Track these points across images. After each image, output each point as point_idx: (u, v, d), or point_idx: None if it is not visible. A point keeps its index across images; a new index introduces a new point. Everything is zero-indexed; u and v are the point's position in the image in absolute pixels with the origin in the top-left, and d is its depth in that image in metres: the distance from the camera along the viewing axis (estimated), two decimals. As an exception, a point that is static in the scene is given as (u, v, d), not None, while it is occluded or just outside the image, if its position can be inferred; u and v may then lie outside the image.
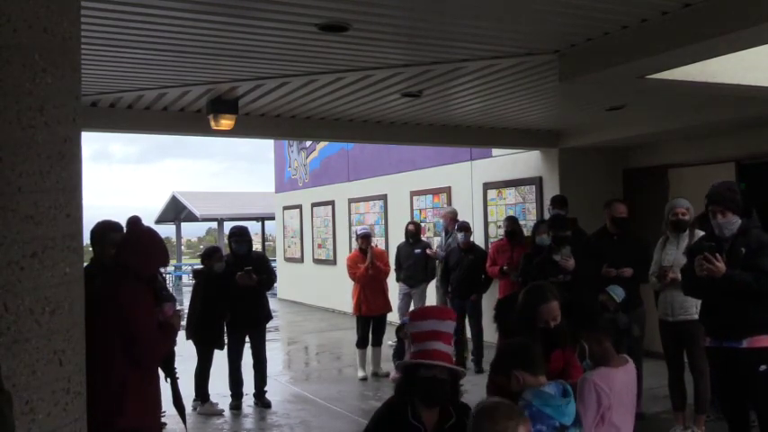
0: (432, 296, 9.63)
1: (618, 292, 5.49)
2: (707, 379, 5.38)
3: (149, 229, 3.86)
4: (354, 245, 12.23)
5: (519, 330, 3.70)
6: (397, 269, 9.47)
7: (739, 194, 4.42)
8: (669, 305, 5.54)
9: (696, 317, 5.28)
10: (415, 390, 3.04)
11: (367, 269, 8.12)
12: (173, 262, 28.12)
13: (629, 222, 6.34)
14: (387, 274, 8.44)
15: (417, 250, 9.39)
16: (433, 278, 9.50)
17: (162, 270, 7.60)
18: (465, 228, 8.56)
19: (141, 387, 3.48)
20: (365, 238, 8.33)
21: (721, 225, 4.32)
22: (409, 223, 9.88)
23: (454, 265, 8.47)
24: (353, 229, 13.25)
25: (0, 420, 1.61)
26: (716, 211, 4.32)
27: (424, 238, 10.08)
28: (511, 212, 9.56)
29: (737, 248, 4.28)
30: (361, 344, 8.27)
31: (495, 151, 9.95)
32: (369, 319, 8.25)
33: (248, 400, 7.13)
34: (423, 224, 10.81)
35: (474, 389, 7.41)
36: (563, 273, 6.30)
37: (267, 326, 7.28)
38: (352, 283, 8.42)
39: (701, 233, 5.52)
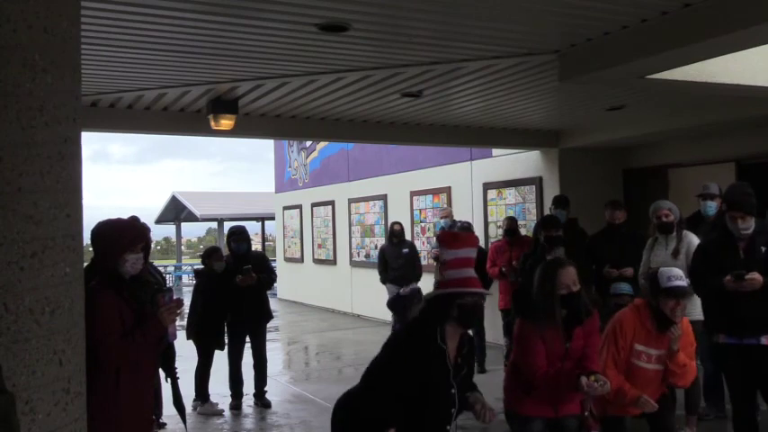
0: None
1: (626, 288, 5.51)
2: (696, 380, 5.41)
3: (108, 220, 3.59)
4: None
5: (540, 303, 3.69)
6: (383, 271, 9.36)
7: (753, 195, 4.48)
8: None
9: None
10: (449, 314, 3.13)
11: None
12: (173, 262, 28.08)
13: (624, 228, 6.37)
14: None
15: (405, 249, 9.35)
16: (420, 277, 9.47)
17: (161, 269, 7.60)
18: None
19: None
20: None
21: (740, 229, 4.38)
22: (395, 223, 9.76)
23: None
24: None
25: (5, 422, 1.60)
26: (736, 216, 4.37)
27: (424, 238, 10.05)
28: (511, 212, 9.55)
29: (757, 247, 4.36)
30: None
31: (495, 151, 9.95)
32: None
33: (248, 400, 7.12)
34: (422, 224, 10.77)
35: (474, 389, 7.44)
36: None
37: (267, 326, 7.27)
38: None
39: (690, 234, 5.54)
